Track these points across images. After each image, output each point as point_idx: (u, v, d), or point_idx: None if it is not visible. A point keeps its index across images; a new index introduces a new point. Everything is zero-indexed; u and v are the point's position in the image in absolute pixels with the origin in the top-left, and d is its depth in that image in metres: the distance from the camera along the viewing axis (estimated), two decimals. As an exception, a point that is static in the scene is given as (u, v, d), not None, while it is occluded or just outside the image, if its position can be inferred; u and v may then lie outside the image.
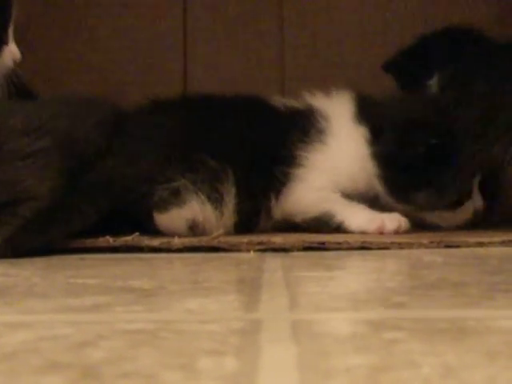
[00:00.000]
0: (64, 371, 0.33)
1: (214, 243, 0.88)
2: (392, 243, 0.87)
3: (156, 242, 0.87)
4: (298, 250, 0.85)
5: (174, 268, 0.76)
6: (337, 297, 0.54)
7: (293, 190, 1.01)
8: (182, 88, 1.67)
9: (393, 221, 0.99)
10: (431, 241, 0.87)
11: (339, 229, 1.00)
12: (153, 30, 1.69)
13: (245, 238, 0.88)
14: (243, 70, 1.68)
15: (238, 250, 0.86)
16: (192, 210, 0.96)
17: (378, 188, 1.02)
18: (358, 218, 1.00)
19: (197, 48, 1.70)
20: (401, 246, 0.86)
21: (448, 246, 0.86)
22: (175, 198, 0.95)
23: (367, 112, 1.05)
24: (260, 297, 0.54)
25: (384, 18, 1.62)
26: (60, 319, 0.46)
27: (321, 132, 1.03)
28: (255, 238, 0.88)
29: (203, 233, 0.95)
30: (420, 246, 0.86)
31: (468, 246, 0.87)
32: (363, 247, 0.86)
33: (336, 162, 1.03)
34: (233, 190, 0.97)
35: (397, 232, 0.98)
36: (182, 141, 1.00)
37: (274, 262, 0.77)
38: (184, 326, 0.44)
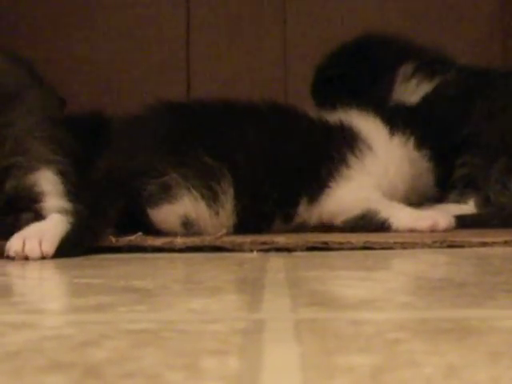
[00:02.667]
0: (67, 371, 0.33)
1: (217, 243, 0.87)
2: (395, 243, 0.86)
3: (159, 241, 0.87)
4: (301, 249, 0.85)
5: (176, 268, 0.76)
6: (340, 296, 0.54)
7: (337, 189, 1.01)
8: (185, 87, 1.67)
9: (445, 218, 0.99)
10: (434, 241, 0.87)
11: (383, 227, 0.99)
12: (155, 30, 1.69)
13: (248, 238, 0.88)
14: (246, 70, 1.68)
15: (241, 250, 0.86)
16: (184, 206, 0.95)
17: (423, 185, 1.10)
18: (405, 216, 1.00)
19: (200, 47, 1.70)
20: (404, 245, 0.86)
21: (451, 246, 0.86)
22: (165, 193, 0.94)
23: (406, 123, 1.10)
24: (263, 297, 0.54)
25: (386, 19, 1.62)
26: (63, 319, 0.46)
27: (365, 143, 1.05)
28: (258, 238, 0.88)
29: (198, 231, 0.95)
30: (423, 245, 0.86)
31: (471, 246, 0.87)
32: (366, 247, 0.86)
33: (382, 167, 1.05)
34: (231, 191, 0.97)
35: (447, 229, 0.98)
36: (179, 137, 1.00)
37: (276, 261, 0.77)
38: (187, 325, 0.44)
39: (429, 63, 1.26)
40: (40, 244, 0.79)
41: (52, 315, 0.48)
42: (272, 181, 1.00)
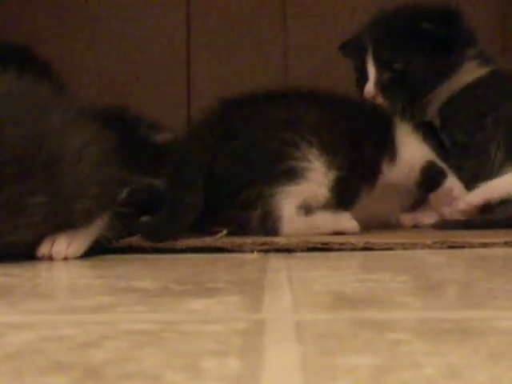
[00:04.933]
0: (67, 371, 0.33)
1: (218, 244, 0.88)
2: (395, 244, 0.86)
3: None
4: (302, 250, 0.85)
5: (177, 269, 0.76)
6: (340, 297, 0.54)
7: (408, 146, 1.15)
8: (185, 89, 1.67)
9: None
10: (435, 241, 0.87)
11: (438, 176, 1.14)
12: (156, 33, 1.69)
13: (248, 239, 0.88)
14: (246, 71, 1.68)
15: (242, 251, 0.86)
16: None
17: None
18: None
19: (200, 49, 1.70)
20: (404, 246, 0.86)
21: (452, 247, 0.86)
22: None
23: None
24: (263, 297, 0.54)
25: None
26: (63, 319, 0.46)
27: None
28: (258, 239, 0.88)
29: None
30: (424, 246, 0.86)
31: (472, 246, 0.87)
32: (366, 248, 0.86)
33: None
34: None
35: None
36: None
37: (277, 262, 0.77)
38: (187, 326, 0.44)
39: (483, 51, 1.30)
40: (67, 246, 0.80)
41: (52, 315, 0.48)
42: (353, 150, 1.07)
